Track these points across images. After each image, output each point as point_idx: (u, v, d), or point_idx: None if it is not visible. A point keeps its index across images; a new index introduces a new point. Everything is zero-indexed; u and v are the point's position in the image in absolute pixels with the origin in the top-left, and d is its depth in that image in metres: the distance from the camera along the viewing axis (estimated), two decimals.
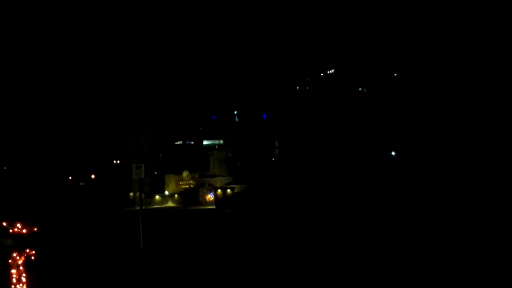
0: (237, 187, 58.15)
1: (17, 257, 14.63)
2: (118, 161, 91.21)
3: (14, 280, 14.50)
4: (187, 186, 65.64)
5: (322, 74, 78.77)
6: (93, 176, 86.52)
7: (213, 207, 57.16)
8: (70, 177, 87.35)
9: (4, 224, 14.76)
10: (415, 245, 23.28)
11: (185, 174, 67.14)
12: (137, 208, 21.84)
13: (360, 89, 71.47)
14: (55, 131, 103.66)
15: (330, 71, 76.19)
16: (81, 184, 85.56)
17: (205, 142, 73.73)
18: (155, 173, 65.41)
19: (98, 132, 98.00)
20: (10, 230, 14.74)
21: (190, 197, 63.22)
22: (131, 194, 61.72)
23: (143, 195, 19.13)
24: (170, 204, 63.71)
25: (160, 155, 75.65)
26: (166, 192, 65.31)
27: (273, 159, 69.56)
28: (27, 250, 14.78)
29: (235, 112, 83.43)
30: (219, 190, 58.64)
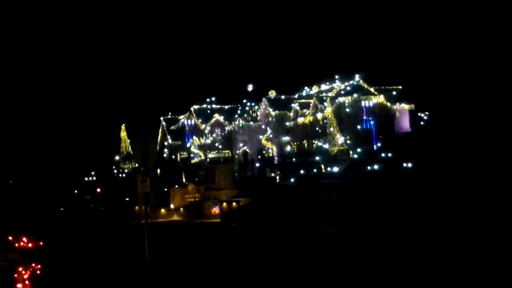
0: (242, 200, 57.93)
1: (23, 272, 14.59)
2: (124, 175, 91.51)
3: None
4: (192, 200, 65.41)
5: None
6: (98, 190, 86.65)
7: (219, 220, 56.96)
8: (75, 191, 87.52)
9: (10, 238, 14.73)
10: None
11: (190, 187, 67.02)
12: (142, 222, 21.76)
13: None
14: (61, 145, 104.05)
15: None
16: (86, 197, 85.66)
17: (210, 155, 73.63)
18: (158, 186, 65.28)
19: (104, 145, 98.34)
20: (16, 244, 14.71)
21: (195, 210, 63.00)
22: (136, 207, 61.60)
23: (148, 208, 19.01)
24: (175, 217, 63.47)
25: (164, 168, 75.61)
26: (172, 206, 65.13)
27: (279, 172, 69.40)
28: (33, 265, 14.75)
29: (241, 125, 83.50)
30: (224, 204, 58.38)
